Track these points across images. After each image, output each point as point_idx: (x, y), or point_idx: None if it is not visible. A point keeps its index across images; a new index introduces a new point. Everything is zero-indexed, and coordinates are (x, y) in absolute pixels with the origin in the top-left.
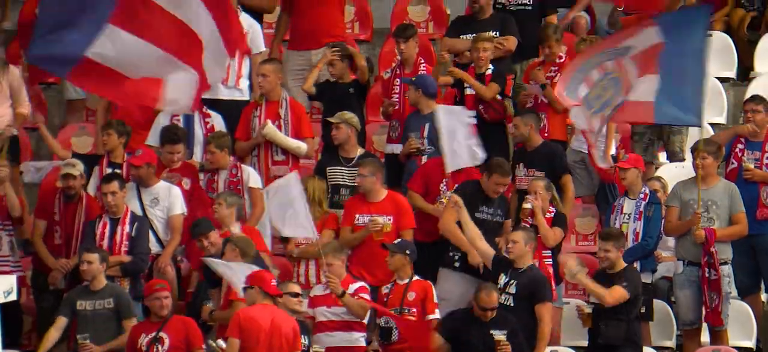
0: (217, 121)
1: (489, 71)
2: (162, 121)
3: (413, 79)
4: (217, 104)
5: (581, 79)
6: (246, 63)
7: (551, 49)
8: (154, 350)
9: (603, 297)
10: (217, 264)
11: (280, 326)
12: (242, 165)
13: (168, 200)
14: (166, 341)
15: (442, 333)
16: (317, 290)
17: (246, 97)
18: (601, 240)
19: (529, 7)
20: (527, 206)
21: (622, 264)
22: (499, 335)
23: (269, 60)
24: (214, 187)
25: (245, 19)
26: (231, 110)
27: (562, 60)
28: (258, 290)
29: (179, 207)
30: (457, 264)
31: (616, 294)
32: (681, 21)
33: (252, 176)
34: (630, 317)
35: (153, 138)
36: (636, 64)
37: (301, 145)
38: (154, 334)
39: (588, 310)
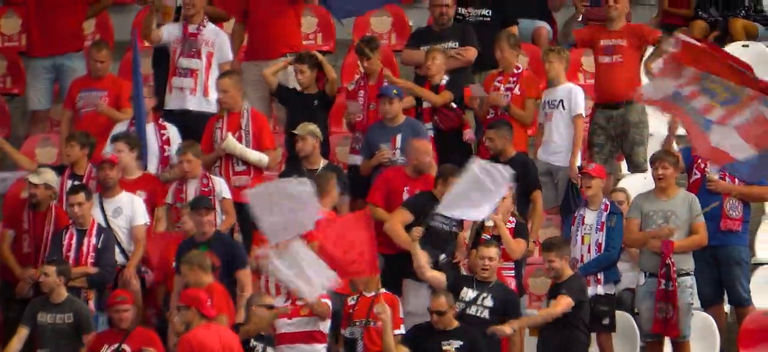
0: (173, 133)
1: (443, 82)
2: (118, 131)
3: (393, 91)
4: (185, 115)
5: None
6: (214, 73)
7: (503, 53)
8: None
9: (552, 314)
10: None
11: (231, 345)
12: (212, 176)
13: (131, 210)
14: None
15: (407, 345)
16: (278, 302)
17: (214, 108)
18: (545, 251)
19: (489, 19)
20: (490, 224)
21: (569, 272)
22: (447, 346)
23: (227, 73)
24: (182, 197)
25: (211, 30)
26: (188, 122)
27: (519, 71)
28: (195, 311)
29: (142, 217)
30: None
31: (562, 303)
32: None
33: (224, 188)
34: (571, 324)
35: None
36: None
37: (262, 158)
38: (116, 345)
39: None
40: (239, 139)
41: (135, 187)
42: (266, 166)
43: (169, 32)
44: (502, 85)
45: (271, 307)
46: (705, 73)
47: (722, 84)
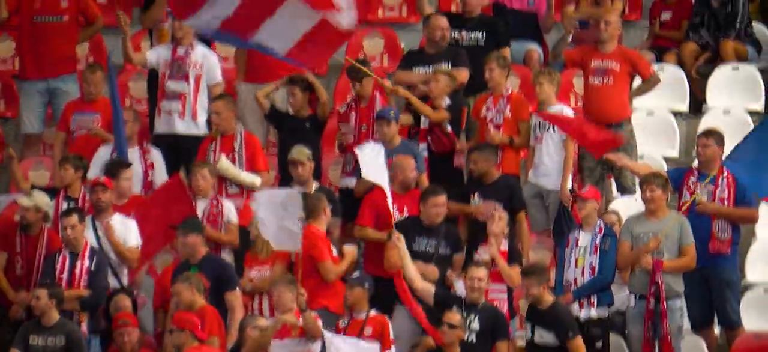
0: (157, 157)
1: (444, 105)
2: (102, 153)
3: (391, 113)
4: (174, 139)
5: None
6: (203, 96)
7: (492, 74)
8: None
9: None
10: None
11: None
12: (222, 199)
13: (123, 232)
14: None
15: None
16: (271, 323)
17: (203, 131)
18: (524, 276)
19: (482, 44)
20: (486, 258)
21: (549, 298)
22: None
23: (220, 96)
24: None
25: (200, 52)
26: (177, 145)
27: (508, 92)
28: (188, 334)
29: (134, 239)
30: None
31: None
32: None
33: (232, 212)
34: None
35: (95, 172)
36: None
37: (255, 180)
38: None
39: (521, 343)
40: (232, 162)
41: (128, 210)
42: (259, 188)
43: (159, 55)
44: (493, 107)
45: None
46: None
47: None
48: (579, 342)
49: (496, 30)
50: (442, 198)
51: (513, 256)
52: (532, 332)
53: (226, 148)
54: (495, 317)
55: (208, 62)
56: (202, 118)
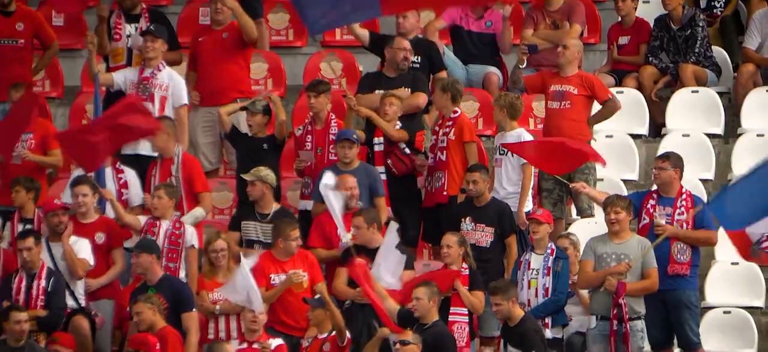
0: (131, 177)
1: (397, 127)
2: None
3: (354, 135)
4: (138, 159)
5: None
6: None
7: (435, 99)
8: None
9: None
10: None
11: None
12: (186, 223)
13: (76, 250)
14: None
15: None
16: (234, 345)
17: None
18: (491, 294)
19: (417, 67)
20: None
21: (520, 312)
22: None
23: (159, 118)
24: (154, 231)
25: (167, 73)
26: (141, 166)
27: (457, 115)
28: None
29: (86, 255)
30: None
31: None
32: None
33: (194, 237)
34: None
35: (66, 198)
36: None
37: (197, 215)
38: None
39: None
40: (171, 182)
41: (93, 230)
42: (205, 216)
43: (126, 76)
44: (440, 130)
45: None
46: None
47: None
48: None
49: (431, 54)
50: (358, 219)
51: (473, 281)
52: (505, 350)
53: (165, 169)
54: (438, 338)
55: (174, 83)
56: None
